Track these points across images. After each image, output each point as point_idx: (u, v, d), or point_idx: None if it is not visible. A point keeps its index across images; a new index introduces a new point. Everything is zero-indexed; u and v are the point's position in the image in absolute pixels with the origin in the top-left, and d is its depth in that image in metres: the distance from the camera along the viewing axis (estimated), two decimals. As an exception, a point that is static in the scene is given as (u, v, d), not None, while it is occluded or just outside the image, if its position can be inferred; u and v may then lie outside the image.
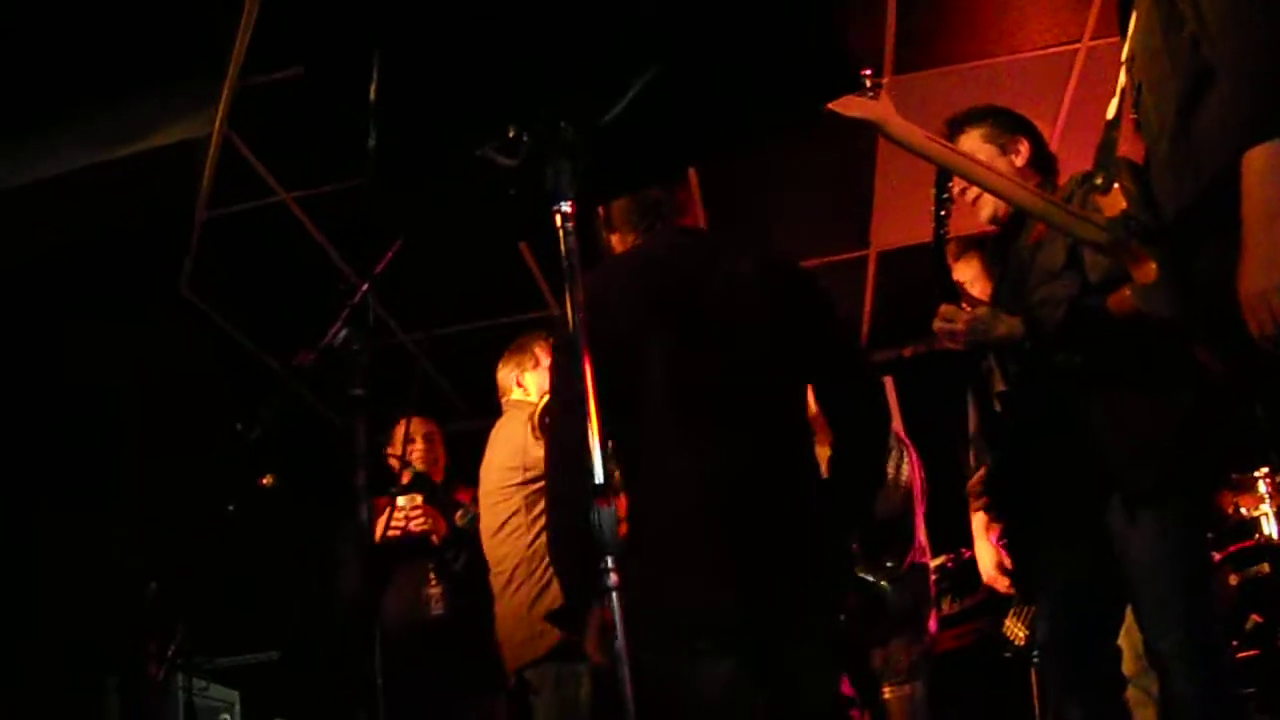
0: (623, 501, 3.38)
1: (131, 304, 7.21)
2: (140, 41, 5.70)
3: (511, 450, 5.15)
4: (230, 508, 6.00)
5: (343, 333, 3.01)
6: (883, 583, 4.74)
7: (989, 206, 3.91)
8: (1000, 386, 4.02)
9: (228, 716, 7.41)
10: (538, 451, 4.97)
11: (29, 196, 6.28)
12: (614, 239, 3.71)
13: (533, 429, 5.15)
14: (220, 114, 6.01)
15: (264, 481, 5.65)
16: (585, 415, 2.24)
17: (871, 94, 3.38)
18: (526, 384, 5.41)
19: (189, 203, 6.70)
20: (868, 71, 3.27)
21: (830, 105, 3.31)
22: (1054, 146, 4.03)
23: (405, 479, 5.62)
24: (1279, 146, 2.47)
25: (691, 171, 7.06)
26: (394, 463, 5.70)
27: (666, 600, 3.18)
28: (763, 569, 3.18)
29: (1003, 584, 5.34)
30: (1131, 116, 3.06)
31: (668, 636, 3.17)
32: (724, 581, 3.17)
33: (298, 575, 7.74)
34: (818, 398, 3.67)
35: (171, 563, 6.06)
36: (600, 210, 3.70)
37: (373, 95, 2.37)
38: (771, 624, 3.21)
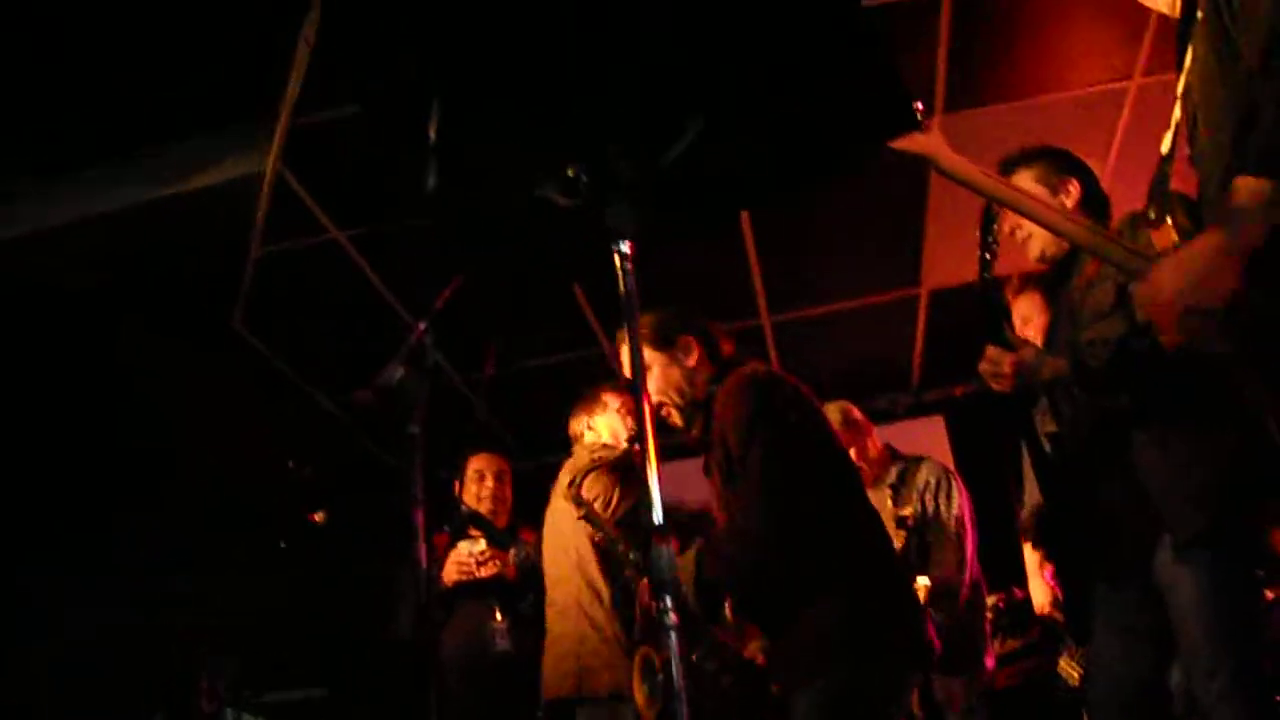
0: None
1: (185, 339, 7.26)
2: (197, 79, 5.76)
3: None
4: (281, 544, 6.05)
5: (399, 372, 3.02)
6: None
7: (1038, 244, 3.89)
8: (1051, 427, 4.00)
9: (273, 751, 7.43)
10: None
11: (86, 231, 6.34)
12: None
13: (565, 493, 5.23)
14: (274, 151, 6.06)
15: (315, 518, 5.69)
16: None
17: (922, 127, 3.38)
18: (597, 426, 5.48)
19: (243, 239, 6.75)
20: (919, 105, 3.26)
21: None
22: (1105, 184, 4.01)
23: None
24: (1267, 186, 2.55)
25: (744, 214, 7.08)
26: (465, 502, 5.74)
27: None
28: None
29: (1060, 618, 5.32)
30: (1185, 151, 3.06)
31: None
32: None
33: (347, 611, 7.76)
34: None
35: (222, 597, 6.10)
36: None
37: (432, 135, 2.38)
38: None
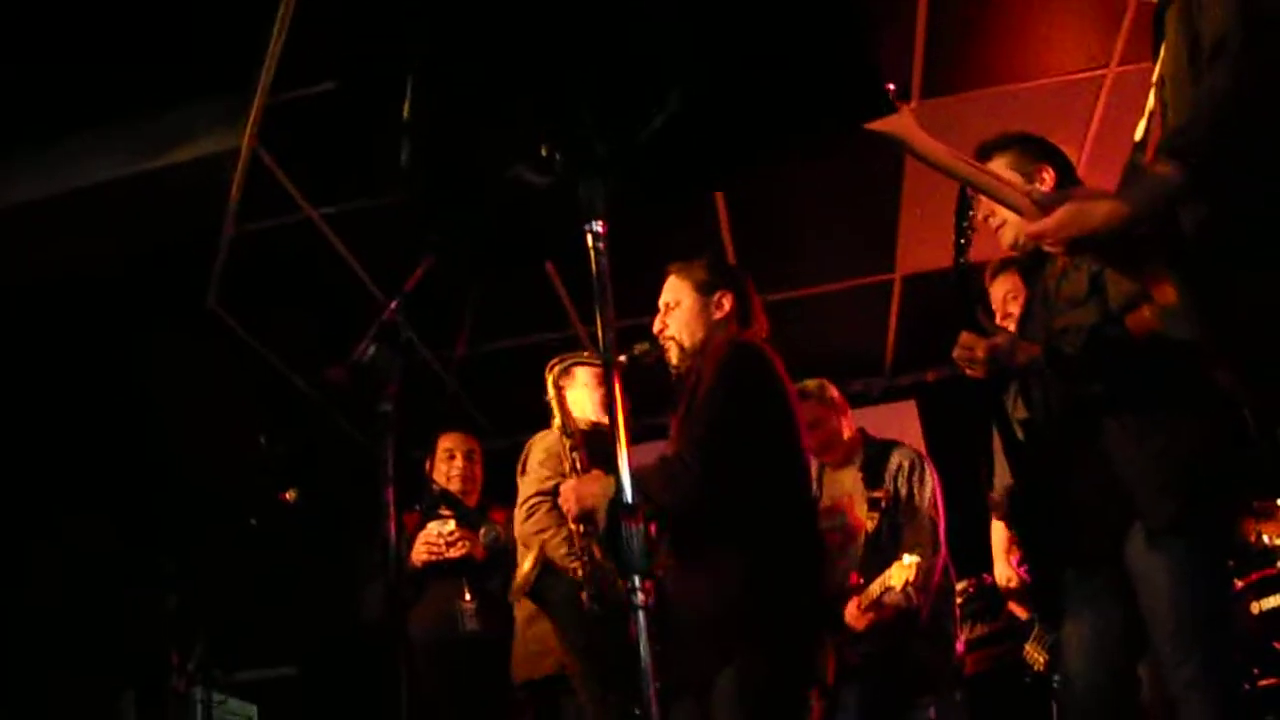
0: None
1: (158, 318, 7.23)
2: (170, 55, 5.73)
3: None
4: (252, 521, 6.03)
5: (372, 349, 3.01)
6: None
7: (1011, 232, 3.89)
8: (1022, 413, 4.01)
9: (245, 731, 7.42)
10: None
11: (55, 208, 6.31)
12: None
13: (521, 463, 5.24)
14: (249, 129, 6.04)
15: (286, 496, 5.67)
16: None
17: (894, 108, 3.38)
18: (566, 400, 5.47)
19: (217, 218, 6.73)
20: (891, 87, 3.26)
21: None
22: (1081, 171, 4.03)
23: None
24: (1172, 170, 2.68)
25: (719, 197, 7.08)
26: (436, 481, 5.72)
27: None
28: None
29: (1024, 611, 5.34)
30: (1158, 138, 3.08)
31: None
32: None
33: (318, 590, 7.75)
34: None
35: (194, 575, 6.08)
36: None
37: (405, 113, 2.38)
38: None
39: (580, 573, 4.57)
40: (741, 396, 3.91)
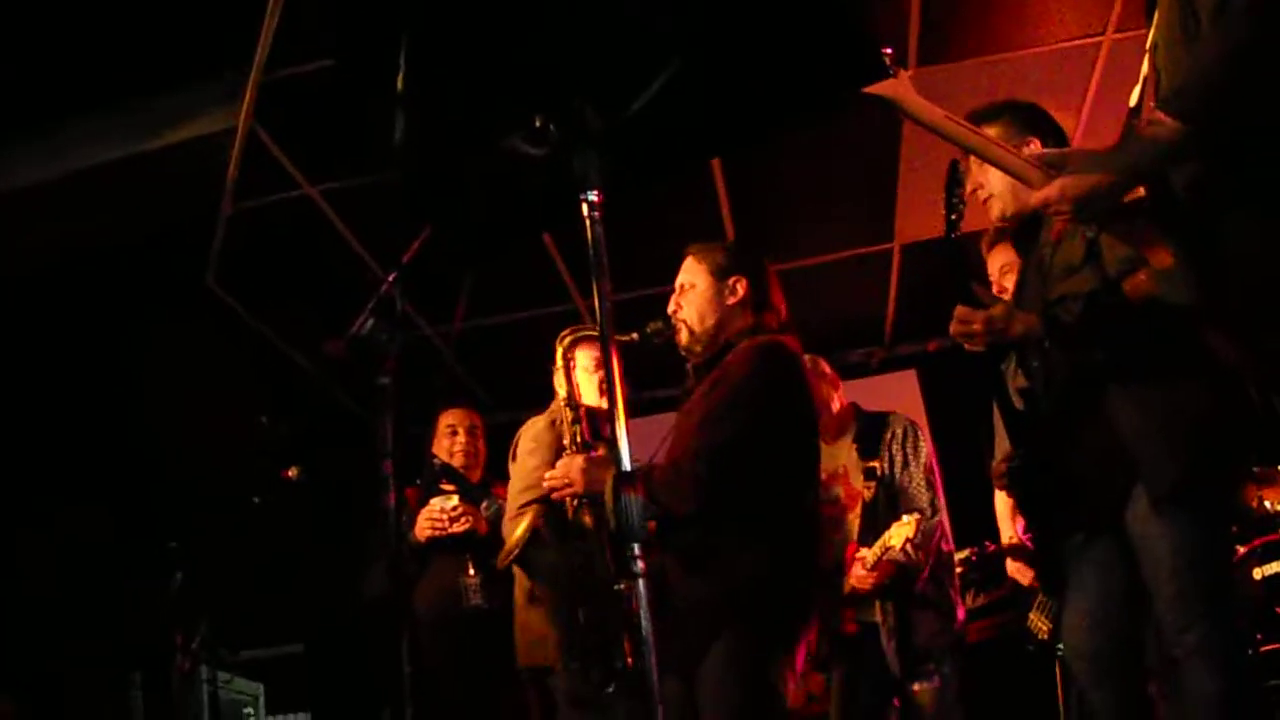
0: None
1: (157, 297, 7.23)
2: (166, 35, 5.72)
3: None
4: (255, 500, 6.03)
5: (370, 323, 3.01)
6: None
7: (999, 205, 3.89)
8: (1021, 382, 4.01)
9: (251, 710, 7.43)
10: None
11: (55, 190, 6.31)
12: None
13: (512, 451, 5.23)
14: (246, 107, 6.03)
15: (289, 474, 5.67)
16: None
17: (890, 73, 3.38)
18: (556, 384, 5.44)
19: (215, 196, 6.73)
20: (888, 50, 3.26)
21: None
22: (1077, 139, 4.02)
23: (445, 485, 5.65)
24: (1173, 127, 2.74)
25: (717, 166, 7.07)
26: (438, 456, 5.73)
27: None
28: None
29: (1026, 577, 5.35)
30: (1152, 104, 3.08)
31: None
32: None
33: (322, 567, 7.77)
34: None
35: (197, 555, 6.09)
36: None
37: (400, 85, 2.37)
38: None
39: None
40: (768, 404, 3.92)
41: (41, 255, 6.74)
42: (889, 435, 5.62)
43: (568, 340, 4.80)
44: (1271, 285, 2.67)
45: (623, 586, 3.99)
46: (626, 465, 2.24)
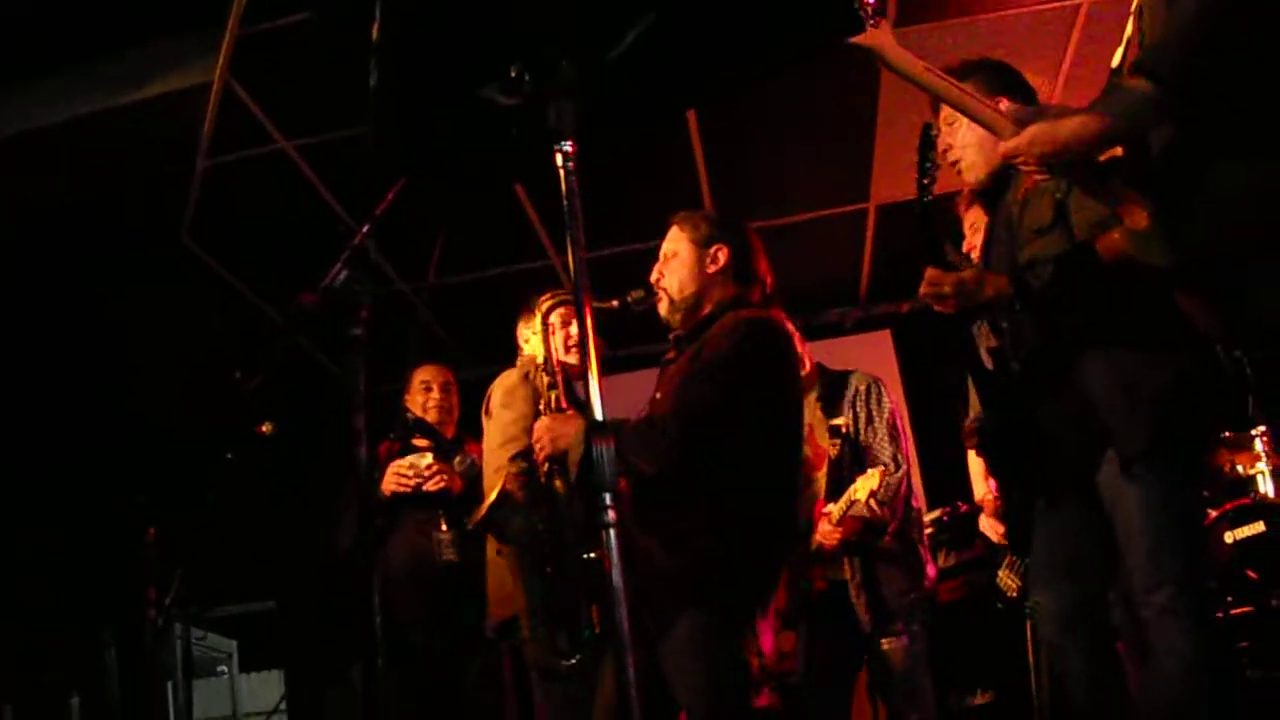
0: None
1: (132, 251, 7.20)
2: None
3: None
4: (228, 456, 6.02)
5: (343, 274, 2.99)
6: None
7: (968, 164, 3.89)
8: (991, 342, 4.02)
9: (225, 667, 7.45)
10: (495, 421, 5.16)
11: (29, 144, 6.27)
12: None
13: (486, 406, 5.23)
14: (221, 61, 6.00)
15: (262, 429, 5.65)
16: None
17: (871, 23, 3.37)
18: (532, 339, 5.43)
19: (190, 150, 6.69)
20: (870, 1, 3.26)
21: None
22: (1056, 100, 4.01)
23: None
24: (1146, 85, 2.82)
25: (693, 123, 7.06)
26: (411, 411, 5.73)
27: None
28: None
29: (996, 533, 5.37)
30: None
31: None
32: None
33: (295, 523, 7.76)
34: None
35: (170, 511, 6.07)
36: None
37: (374, 35, 2.36)
38: None
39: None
40: (750, 377, 3.90)
41: (14, 211, 6.70)
42: (851, 392, 5.64)
43: (547, 304, 4.79)
44: (1259, 230, 2.68)
45: (591, 555, 3.98)
46: (599, 415, 2.24)
